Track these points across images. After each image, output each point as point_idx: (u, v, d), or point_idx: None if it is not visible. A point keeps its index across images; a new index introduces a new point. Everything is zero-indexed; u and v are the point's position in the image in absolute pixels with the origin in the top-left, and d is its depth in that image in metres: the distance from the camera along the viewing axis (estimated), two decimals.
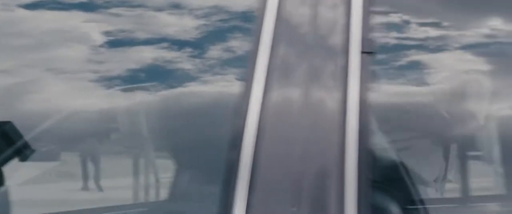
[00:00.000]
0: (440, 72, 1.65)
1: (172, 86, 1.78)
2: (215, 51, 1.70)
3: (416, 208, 1.53)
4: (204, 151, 1.60)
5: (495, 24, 1.61)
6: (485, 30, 1.62)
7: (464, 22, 1.62)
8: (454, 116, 1.84)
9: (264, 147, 1.23)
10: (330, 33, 1.35)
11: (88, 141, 2.00)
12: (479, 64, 1.67)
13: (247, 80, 1.30)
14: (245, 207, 1.17)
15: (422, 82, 1.62)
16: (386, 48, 1.51)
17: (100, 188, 1.98)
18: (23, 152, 1.84)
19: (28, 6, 1.84)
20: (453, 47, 1.62)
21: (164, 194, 1.92)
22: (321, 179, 1.20)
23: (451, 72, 1.66)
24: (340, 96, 1.28)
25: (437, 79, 1.65)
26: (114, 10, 1.72)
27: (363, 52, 1.32)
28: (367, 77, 1.31)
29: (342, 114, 1.26)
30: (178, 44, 1.73)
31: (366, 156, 1.22)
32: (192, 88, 1.74)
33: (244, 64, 1.34)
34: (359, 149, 1.21)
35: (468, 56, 1.64)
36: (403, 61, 1.53)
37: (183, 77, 1.72)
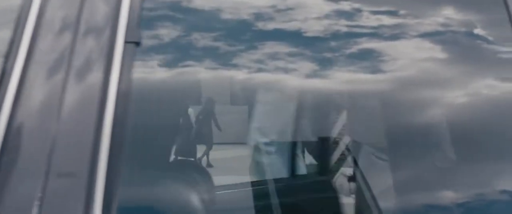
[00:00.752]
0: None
1: None
2: None
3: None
4: None
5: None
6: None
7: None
8: None
9: (15, 139, 1.21)
10: (96, 22, 1.35)
11: None
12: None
13: (5, 71, 1.27)
14: None
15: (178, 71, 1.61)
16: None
17: None
18: None
19: None
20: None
21: None
22: (69, 173, 1.20)
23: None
24: (101, 86, 1.28)
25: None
26: None
27: (127, 42, 1.33)
28: (130, 67, 1.31)
29: (101, 105, 1.26)
30: None
31: (119, 149, 1.23)
32: None
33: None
34: (111, 143, 1.22)
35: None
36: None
37: None
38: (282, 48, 1.63)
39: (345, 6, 1.60)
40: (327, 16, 1.61)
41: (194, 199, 1.67)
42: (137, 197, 1.44)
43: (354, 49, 1.62)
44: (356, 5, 1.59)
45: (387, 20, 1.60)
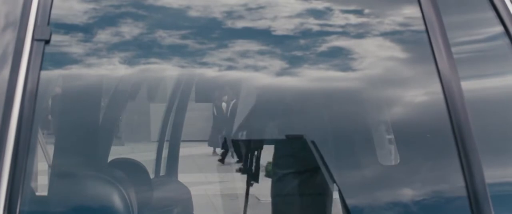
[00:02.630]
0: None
1: None
2: None
3: None
4: None
5: None
6: None
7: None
8: None
9: None
10: (5, 20, 1.36)
11: None
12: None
13: None
14: None
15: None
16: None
17: None
18: None
19: None
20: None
21: None
22: None
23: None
24: (8, 84, 1.28)
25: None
26: None
27: (36, 40, 1.34)
28: (38, 64, 1.32)
29: (8, 103, 1.27)
30: None
31: (25, 148, 1.24)
32: None
33: None
34: (15, 142, 1.23)
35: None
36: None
37: None
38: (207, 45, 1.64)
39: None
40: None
41: (102, 195, 1.67)
42: (43, 197, 1.45)
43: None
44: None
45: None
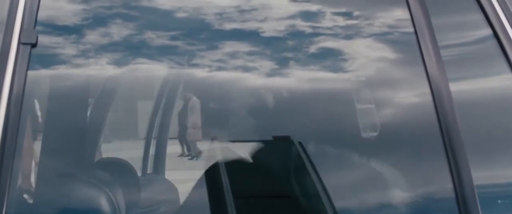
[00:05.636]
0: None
1: None
2: None
3: None
4: None
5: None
6: None
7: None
8: None
9: None
10: None
11: None
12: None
13: None
14: None
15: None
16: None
17: None
18: None
19: None
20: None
21: None
22: None
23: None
24: None
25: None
26: None
27: (22, 43, 1.33)
28: (24, 68, 1.31)
29: None
30: None
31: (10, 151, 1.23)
32: None
33: None
34: (1, 144, 1.22)
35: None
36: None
37: None
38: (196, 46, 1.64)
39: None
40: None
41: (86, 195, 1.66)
42: (29, 199, 1.44)
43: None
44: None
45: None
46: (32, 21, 1.35)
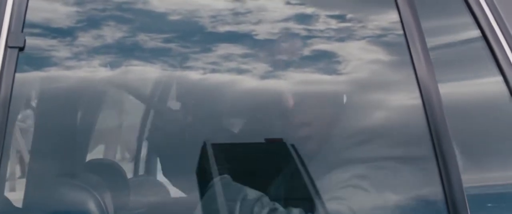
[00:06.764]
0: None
1: None
2: None
3: None
4: None
5: None
6: None
7: None
8: None
9: None
10: None
11: None
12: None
13: None
14: None
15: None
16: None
17: None
18: None
19: None
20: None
21: None
22: None
23: None
24: None
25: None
26: None
27: (9, 47, 1.32)
28: (12, 72, 1.31)
29: None
30: None
31: None
32: None
33: None
34: None
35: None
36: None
37: None
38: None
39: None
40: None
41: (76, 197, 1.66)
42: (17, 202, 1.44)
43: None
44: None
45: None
46: (20, 24, 1.34)
